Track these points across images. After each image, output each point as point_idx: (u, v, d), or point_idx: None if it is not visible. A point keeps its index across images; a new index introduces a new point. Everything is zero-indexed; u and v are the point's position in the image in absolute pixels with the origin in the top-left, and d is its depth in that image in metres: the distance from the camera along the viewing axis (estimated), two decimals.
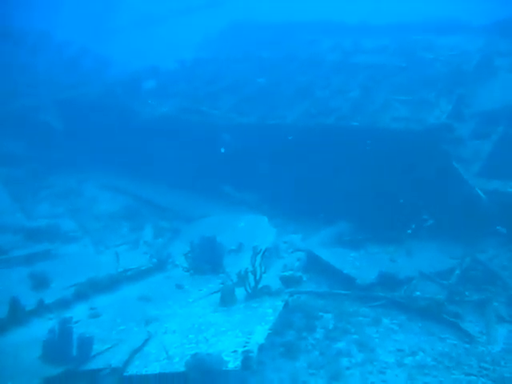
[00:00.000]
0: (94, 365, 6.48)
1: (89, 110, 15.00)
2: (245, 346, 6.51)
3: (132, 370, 6.34)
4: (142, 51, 19.22)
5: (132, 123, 14.14)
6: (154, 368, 6.35)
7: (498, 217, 10.46)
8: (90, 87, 15.36)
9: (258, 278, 7.77)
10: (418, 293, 8.96)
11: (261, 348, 6.57)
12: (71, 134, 15.11)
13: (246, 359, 6.24)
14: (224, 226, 11.39)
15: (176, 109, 13.81)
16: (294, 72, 15.35)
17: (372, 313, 8.69)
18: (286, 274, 8.37)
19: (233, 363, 6.22)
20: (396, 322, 8.43)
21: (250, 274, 7.77)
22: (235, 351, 6.44)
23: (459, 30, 16.40)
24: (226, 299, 7.76)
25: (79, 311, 7.79)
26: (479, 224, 10.57)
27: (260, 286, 7.94)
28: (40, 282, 8.42)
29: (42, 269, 9.01)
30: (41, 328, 7.14)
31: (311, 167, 12.24)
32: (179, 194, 13.56)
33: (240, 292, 8.08)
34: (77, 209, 12.85)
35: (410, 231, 11.02)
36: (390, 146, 11.38)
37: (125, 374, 6.31)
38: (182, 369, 6.20)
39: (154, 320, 7.53)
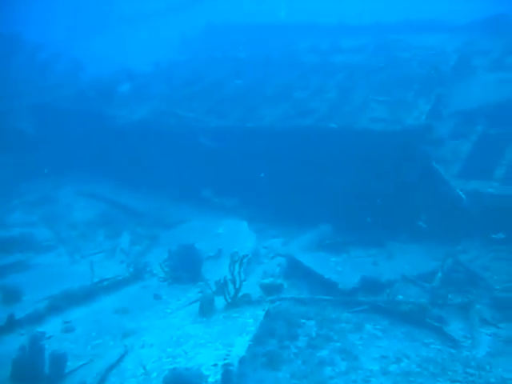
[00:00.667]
0: (67, 383, 6.21)
1: (62, 114, 14.64)
2: (225, 359, 6.29)
3: None
4: (118, 53, 18.87)
5: (107, 127, 13.81)
6: None
7: (478, 217, 10.41)
8: (64, 91, 14.97)
9: (237, 286, 7.55)
10: (400, 297, 8.83)
11: (242, 360, 6.36)
12: (44, 139, 14.72)
13: (227, 373, 6.03)
14: (203, 231, 11.17)
15: (152, 112, 13.53)
16: (272, 73, 15.17)
17: (355, 318, 8.51)
18: (266, 281, 8.16)
19: (213, 377, 6.00)
20: (379, 327, 8.27)
21: (229, 282, 7.54)
22: (215, 365, 6.22)
23: (438, 29, 16.39)
24: (205, 309, 7.53)
25: (52, 325, 7.50)
26: (460, 225, 10.50)
27: (240, 294, 7.72)
28: (11, 296, 8.10)
29: (13, 281, 8.71)
30: (11, 345, 6.84)
31: (292, 170, 12.07)
32: (157, 199, 13.28)
33: (219, 301, 7.85)
34: (51, 216, 12.51)
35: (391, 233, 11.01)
36: (370, 148, 11.25)
37: None
38: None
39: (131, 333, 7.28)
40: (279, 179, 12.22)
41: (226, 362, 6.22)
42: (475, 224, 10.35)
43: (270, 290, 7.97)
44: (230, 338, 6.76)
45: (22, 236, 10.90)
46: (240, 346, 6.56)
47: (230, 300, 7.66)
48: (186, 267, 8.87)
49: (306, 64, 15.58)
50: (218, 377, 5.99)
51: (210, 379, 5.97)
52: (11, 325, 7.24)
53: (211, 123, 12.56)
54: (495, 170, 11.00)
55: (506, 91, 12.76)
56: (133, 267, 9.29)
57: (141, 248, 10.93)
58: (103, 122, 13.97)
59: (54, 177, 14.37)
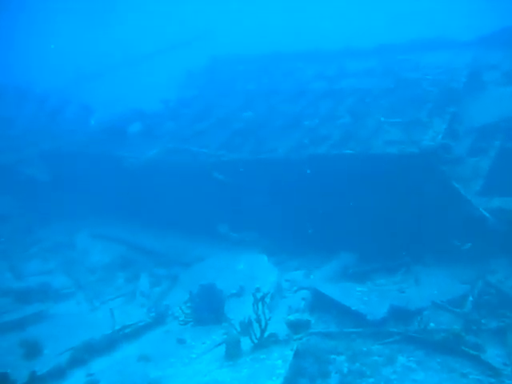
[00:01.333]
0: None
1: (74, 159, 14.60)
2: None
3: None
4: (125, 94, 18.92)
5: (120, 169, 13.72)
6: None
7: (504, 236, 10.09)
8: (74, 136, 14.97)
9: (263, 326, 7.28)
10: (432, 324, 8.50)
11: None
12: (58, 185, 14.69)
13: None
14: (222, 268, 10.95)
15: (163, 151, 13.42)
16: (281, 103, 15.07)
17: (387, 350, 8.19)
18: (292, 318, 7.85)
19: None
20: (413, 359, 7.93)
21: (254, 322, 7.27)
22: None
23: (444, 46, 16.22)
24: (232, 352, 7.26)
25: (75, 379, 7.29)
26: (486, 245, 10.17)
27: (266, 334, 7.45)
28: (32, 350, 7.90)
29: (33, 333, 8.54)
30: None
31: (308, 199, 11.85)
32: (174, 238, 13.11)
33: (245, 342, 7.58)
34: (69, 262, 12.38)
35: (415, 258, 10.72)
36: (388, 172, 11.01)
37: None
38: None
39: (157, 382, 7.02)
40: (296, 209, 12.03)
41: None
42: (502, 243, 10.03)
43: (296, 327, 7.66)
44: (260, 383, 6.48)
45: (40, 286, 10.76)
46: None
47: (256, 341, 7.39)
48: (208, 308, 8.62)
49: (314, 91, 15.47)
50: None
51: None
52: (34, 382, 7.01)
53: (223, 157, 12.40)
54: None
55: None
56: (154, 311, 9.07)
57: (161, 289, 10.72)
58: (115, 163, 13.88)
59: (69, 222, 14.31)
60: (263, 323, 7.32)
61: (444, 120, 11.52)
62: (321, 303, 9.49)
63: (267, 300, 7.61)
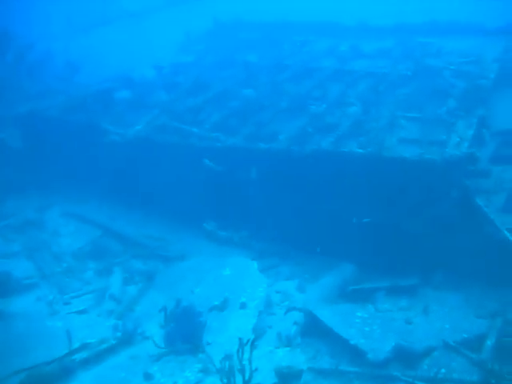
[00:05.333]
0: None
1: (53, 125, 13.08)
2: None
3: None
4: (115, 53, 17.27)
5: (101, 143, 12.25)
6: None
7: None
8: (55, 99, 13.41)
9: (246, 378, 6.05)
10: (442, 370, 7.31)
11: None
12: (32, 152, 13.22)
13: None
14: (206, 272, 9.69)
15: (151, 126, 11.95)
16: (286, 81, 13.60)
17: None
18: (284, 369, 6.61)
19: None
20: None
21: (236, 372, 6.04)
22: None
23: (471, 32, 14.71)
24: None
25: None
26: (507, 271, 8.94)
27: None
28: None
29: None
30: None
31: (309, 197, 10.53)
32: (156, 225, 11.77)
33: None
34: (35, 245, 11.06)
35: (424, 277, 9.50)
36: (400, 177, 9.67)
37: None
38: None
39: None
40: (294, 207, 10.70)
41: None
42: None
43: (286, 379, 6.44)
44: None
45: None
46: None
47: None
48: (184, 335, 7.34)
49: (324, 70, 13.98)
50: None
51: None
52: None
53: (217, 142, 10.97)
54: None
55: None
56: (121, 329, 7.76)
57: (134, 292, 9.45)
58: (97, 135, 12.41)
59: (41, 195, 12.91)
60: (248, 374, 6.08)
61: (470, 124, 10.10)
62: (315, 329, 8.26)
63: (254, 344, 6.33)
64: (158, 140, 11.54)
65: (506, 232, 9.08)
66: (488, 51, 13.39)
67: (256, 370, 6.20)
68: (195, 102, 12.85)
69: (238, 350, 6.25)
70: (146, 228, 11.68)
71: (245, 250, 10.45)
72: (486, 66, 12.48)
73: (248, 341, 6.32)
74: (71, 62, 15.53)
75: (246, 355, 6.18)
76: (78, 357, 7.04)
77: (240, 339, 6.41)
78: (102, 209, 12.42)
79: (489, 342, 7.64)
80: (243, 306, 8.55)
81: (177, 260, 10.44)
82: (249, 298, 8.75)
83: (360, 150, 9.83)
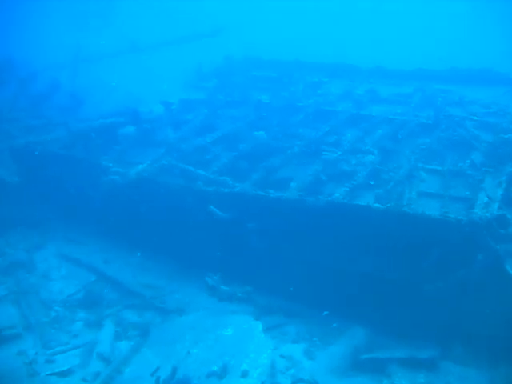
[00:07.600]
0: None
1: (53, 160, 12.38)
2: None
3: None
4: (122, 87, 16.74)
5: (103, 180, 11.52)
6: None
7: None
8: (56, 132, 12.76)
9: None
10: None
11: None
12: (29, 187, 12.52)
13: None
14: (205, 331, 8.85)
15: (155, 167, 11.24)
16: (299, 124, 12.96)
17: None
18: None
19: None
20: None
21: None
22: None
23: (493, 82, 14.11)
24: None
25: None
26: None
27: None
28: None
29: None
30: None
31: (318, 252, 9.75)
32: (155, 271, 11.01)
33: None
34: (22, 290, 10.27)
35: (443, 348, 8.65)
36: (421, 235, 8.89)
37: None
38: None
39: None
40: (303, 261, 9.92)
41: None
42: None
43: None
44: None
45: None
46: None
47: None
48: None
49: (339, 114, 13.32)
50: None
51: None
52: None
53: (225, 188, 10.24)
54: None
55: None
56: None
57: (126, 348, 8.61)
58: (98, 172, 11.70)
59: (34, 233, 12.16)
60: None
61: (499, 183, 9.33)
62: None
63: None
64: (161, 182, 10.82)
65: None
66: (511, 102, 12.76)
67: None
68: (203, 141, 12.17)
69: None
70: (143, 274, 10.91)
71: (248, 307, 9.63)
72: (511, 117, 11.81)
73: None
74: (75, 94, 14.92)
75: None
76: None
77: None
78: (99, 250, 11.66)
79: None
80: (245, 374, 7.73)
81: (174, 313, 9.60)
82: (251, 364, 7.94)
83: (379, 206, 9.08)
